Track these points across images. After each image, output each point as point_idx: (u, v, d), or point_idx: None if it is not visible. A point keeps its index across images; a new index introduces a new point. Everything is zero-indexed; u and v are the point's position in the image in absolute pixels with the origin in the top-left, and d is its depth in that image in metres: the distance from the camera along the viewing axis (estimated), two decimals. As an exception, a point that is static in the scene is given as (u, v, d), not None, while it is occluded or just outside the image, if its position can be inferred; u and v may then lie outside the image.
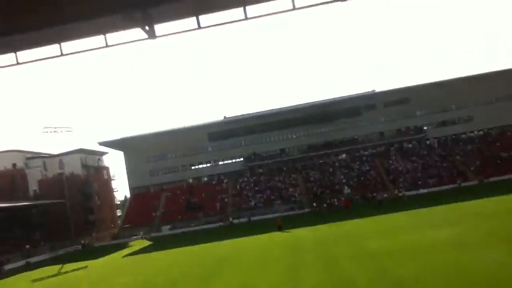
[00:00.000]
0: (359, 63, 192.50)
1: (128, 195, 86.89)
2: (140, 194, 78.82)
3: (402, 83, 75.70)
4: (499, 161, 64.34)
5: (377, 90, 79.01)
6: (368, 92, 79.70)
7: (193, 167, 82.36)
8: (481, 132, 75.73)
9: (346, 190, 65.04)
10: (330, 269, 20.35)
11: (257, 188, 72.16)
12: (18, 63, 12.90)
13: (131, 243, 57.21)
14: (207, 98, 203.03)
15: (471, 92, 74.03)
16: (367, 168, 71.69)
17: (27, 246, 54.66)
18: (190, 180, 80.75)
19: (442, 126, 77.51)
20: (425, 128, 78.06)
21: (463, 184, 59.25)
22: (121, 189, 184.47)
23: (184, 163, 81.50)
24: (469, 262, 17.67)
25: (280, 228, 41.16)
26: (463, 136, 75.89)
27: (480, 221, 27.51)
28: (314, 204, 61.93)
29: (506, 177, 57.41)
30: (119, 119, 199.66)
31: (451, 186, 59.57)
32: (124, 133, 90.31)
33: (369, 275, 18.00)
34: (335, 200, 61.69)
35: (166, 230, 64.33)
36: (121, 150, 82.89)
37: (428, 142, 76.40)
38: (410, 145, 76.15)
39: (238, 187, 74.10)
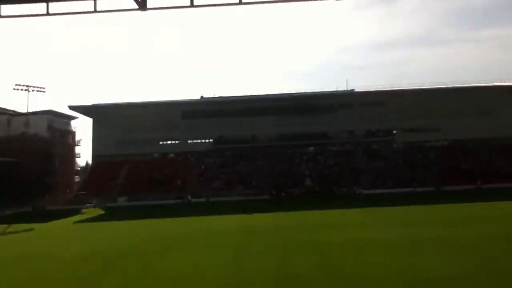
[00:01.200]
0: (344, 61, 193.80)
1: (90, 162, 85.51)
2: (103, 163, 77.59)
3: (380, 86, 77.08)
4: (457, 172, 66.22)
5: (357, 89, 79.71)
6: (347, 90, 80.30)
7: (161, 142, 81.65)
8: (445, 143, 77.61)
9: (308, 182, 65.82)
10: (276, 256, 20.57)
11: (221, 170, 72.17)
12: (1, 16, 12.61)
13: (84, 210, 56.45)
14: (187, 76, 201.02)
15: (443, 103, 75.70)
16: (332, 163, 72.65)
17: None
18: (156, 155, 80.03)
19: (411, 132, 78.92)
20: (394, 132, 79.34)
21: (420, 189, 60.75)
22: (84, 156, 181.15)
23: (152, 138, 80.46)
24: (412, 261, 18.13)
25: (245, 211, 42.05)
26: (428, 144, 77.59)
27: (430, 226, 28.27)
28: (274, 192, 62.52)
29: (461, 187, 59.40)
30: (93, 86, 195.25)
31: (408, 189, 60.93)
32: (96, 100, 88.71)
33: (312, 264, 18.35)
34: (295, 190, 62.44)
35: (122, 201, 63.57)
36: (91, 117, 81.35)
37: (394, 145, 77.81)
38: (377, 147, 77.45)
39: (203, 167, 73.94)
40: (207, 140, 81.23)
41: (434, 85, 76.04)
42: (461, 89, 75.44)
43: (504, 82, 75.72)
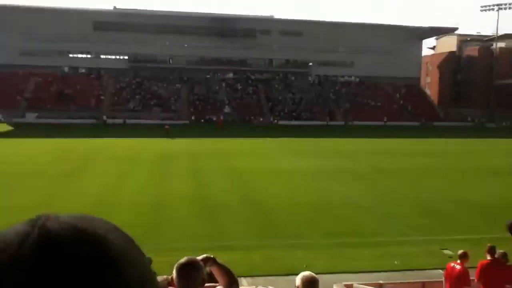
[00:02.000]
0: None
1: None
2: (5, 74, 70.90)
3: (301, 16, 77.76)
4: (365, 108, 71.35)
5: (276, 16, 79.67)
6: (266, 16, 79.91)
7: (70, 55, 76.11)
8: (357, 79, 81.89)
9: (227, 109, 66.90)
10: (194, 179, 21.80)
11: (138, 91, 70.15)
12: None
13: (-12, 125, 52.68)
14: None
15: (359, 39, 78.49)
16: (251, 91, 73.93)
17: None
18: (66, 69, 74.79)
19: (325, 65, 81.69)
20: (310, 64, 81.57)
21: (330, 123, 64.95)
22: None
23: (61, 49, 74.53)
24: (316, 190, 20.46)
25: (167, 134, 42.67)
26: (341, 79, 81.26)
27: (337, 156, 31.16)
28: (193, 117, 62.89)
29: (368, 123, 64.78)
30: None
31: (320, 122, 64.81)
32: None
33: (229, 189, 19.87)
34: (214, 117, 63.33)
35: (31, 117, 59.73)
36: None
37: (309, 78, 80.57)
38: (293, 78, 79.71)
39: (118, 86, 71.18)
40: (121, 57, 77.36)
41: (349, 20, 78.34)
42: (373, 26, 78.91)
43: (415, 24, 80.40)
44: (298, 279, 3.92)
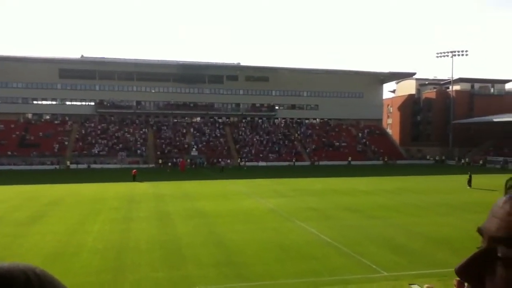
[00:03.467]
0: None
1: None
2: (-35, 120, 68.93)
3: (266, 62, 79.97)
4: (330, 148, 72.83)
5: (242, 63, 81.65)
6: (233, 63, 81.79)
7: (35, 102, 74.91)
8: (321, 121, 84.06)
9: (194, 152, 66.73)
10: (160, 224, 21.37)
11: (103, 136, 69.24)
12: None
13: None
14: (63, 33, 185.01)
15: (323, 84, 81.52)
16: (218, 134, 74.29)
17: None
18: (29, 115, 73.39)
19: (291, 109, 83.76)
20: (276, 107, 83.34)
21: (297, 163, 65.80)
22: None
23: (25, 96, 73.37)
24: (284, 229, 20.36)
25: (134, 178, 42.06)
26: (307, 121, 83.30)
27: (304, 196, 31.35)
28: (160, 161, 62.29)
29: (333, 162, 66.13)
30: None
31: (287, 163, 65.55)
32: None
33: (195, 232, 19.55)
34: (180, 160, 62.91)
35: (-9, 164, 57.85)
36: None
37: (276, 121, 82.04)
38: (260, 121, 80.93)
39: (83, 131, 70.12)
40: (88, 103, 76.76)
41: (313, 66, 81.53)
42: (337, 72, 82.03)
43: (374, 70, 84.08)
44: None
